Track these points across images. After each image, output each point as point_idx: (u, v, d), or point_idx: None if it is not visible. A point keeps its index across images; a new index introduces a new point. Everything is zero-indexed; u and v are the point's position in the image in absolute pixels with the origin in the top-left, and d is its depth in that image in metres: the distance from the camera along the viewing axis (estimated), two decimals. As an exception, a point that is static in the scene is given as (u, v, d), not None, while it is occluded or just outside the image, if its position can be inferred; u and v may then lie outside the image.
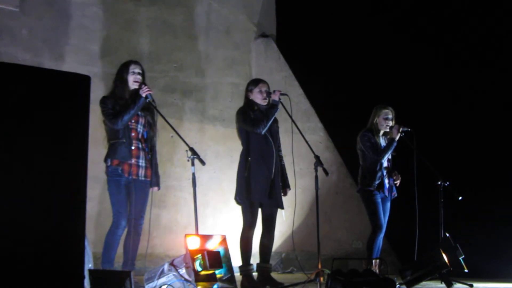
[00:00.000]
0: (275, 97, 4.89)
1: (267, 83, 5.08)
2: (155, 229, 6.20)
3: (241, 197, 4.87)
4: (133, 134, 4.57)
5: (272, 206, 4.95)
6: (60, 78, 2.26)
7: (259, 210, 4.95)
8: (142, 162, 4.57)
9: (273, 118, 4.89)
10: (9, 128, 2.05)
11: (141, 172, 4.57)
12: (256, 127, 4.84)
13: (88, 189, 2.28)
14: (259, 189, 4.83)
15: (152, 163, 4.64)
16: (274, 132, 5.04)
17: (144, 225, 4.66)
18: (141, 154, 4.58)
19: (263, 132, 4.87)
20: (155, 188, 4.72)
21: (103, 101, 4.58)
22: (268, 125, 4.87)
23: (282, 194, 5.04)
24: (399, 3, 7.11)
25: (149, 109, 4.69)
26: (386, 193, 5.58)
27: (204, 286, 4.01)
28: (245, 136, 4.96)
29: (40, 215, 2.07)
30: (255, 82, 5.10)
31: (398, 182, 5.66)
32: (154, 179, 4.66)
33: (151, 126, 4.70)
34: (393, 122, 5.63)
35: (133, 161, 4.52)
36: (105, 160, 4.55)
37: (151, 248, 5.55)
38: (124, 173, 4.49)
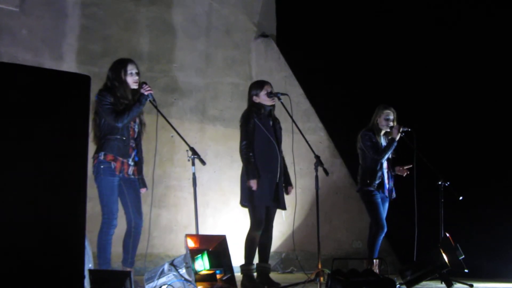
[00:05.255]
0: None
1: (270, 83, 5.05)
2: (155, 229, 6.21)
3: (246, 201, 4.88)
4: (131, 132, 4.52)
5: (273, 208, 4.96)
6: (60, 78, 2.25)
7: None
8: (131, 161, 4.50)
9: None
10: (9, 128, 2.05)
11: (131, 170, 4.49)
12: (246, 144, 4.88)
13: (88, 189, 2.28)
14: (264, 194, 4.83)
15: (139, 162, 4.59)
16: (278, 134, 5.02)
17: (144, 225, 4.63)
18: (133, 153, 4.53)
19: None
20: (143, 190, 4.63)
21: (103, 95, 4.42)
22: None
23: (284, 194, 5.06)
24: (400, 2, 7.10)
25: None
26: (386, 194, 5.57)
27: (204, 286, 4.01)
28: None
29: (40, 215, 2.07)
30: (260, 85, 5.02)
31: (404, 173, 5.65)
32: (139, 178, 4.57)
33: (142, 125, 4.64)
34: (395, 123, 5.61)
35: (126, 159, 4.45)
36: (96, 154, 4.38)
37: (151, 248, 5.55)
38: (116, 170, 4.38)
